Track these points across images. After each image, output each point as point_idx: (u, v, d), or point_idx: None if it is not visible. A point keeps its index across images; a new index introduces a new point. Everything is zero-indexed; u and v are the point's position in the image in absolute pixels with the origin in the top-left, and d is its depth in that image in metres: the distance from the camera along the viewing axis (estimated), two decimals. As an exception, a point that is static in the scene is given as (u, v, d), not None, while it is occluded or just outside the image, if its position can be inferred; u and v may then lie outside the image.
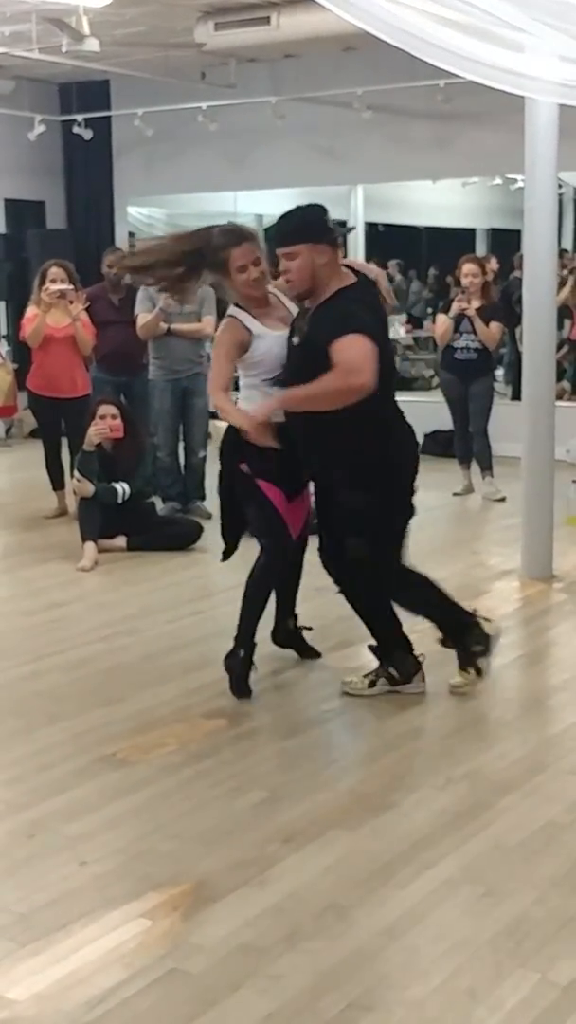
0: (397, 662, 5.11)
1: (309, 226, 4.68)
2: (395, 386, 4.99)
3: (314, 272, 4.64)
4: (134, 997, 3.00)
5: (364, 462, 4.80)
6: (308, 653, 5.52)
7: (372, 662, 5.20)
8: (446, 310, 9.29)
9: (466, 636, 5.06)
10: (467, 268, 9.14)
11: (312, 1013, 2.93)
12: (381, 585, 5.07)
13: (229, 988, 3.03)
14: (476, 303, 9.04)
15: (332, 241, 4.67)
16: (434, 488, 9.71)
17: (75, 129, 12.57)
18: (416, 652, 5.14)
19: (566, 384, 12.40)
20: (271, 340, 4.90)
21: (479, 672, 5.05)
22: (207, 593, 6.57)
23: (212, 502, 8.01)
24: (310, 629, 5.56)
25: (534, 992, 3.00)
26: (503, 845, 3.77)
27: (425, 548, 7.75)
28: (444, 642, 5.11)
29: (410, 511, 5.05)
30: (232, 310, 4.96)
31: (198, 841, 3.81)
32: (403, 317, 15.65)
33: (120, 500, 7.57)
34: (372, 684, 5.10)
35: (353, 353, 4.47)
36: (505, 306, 10.70)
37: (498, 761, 4.41)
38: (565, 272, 12.86)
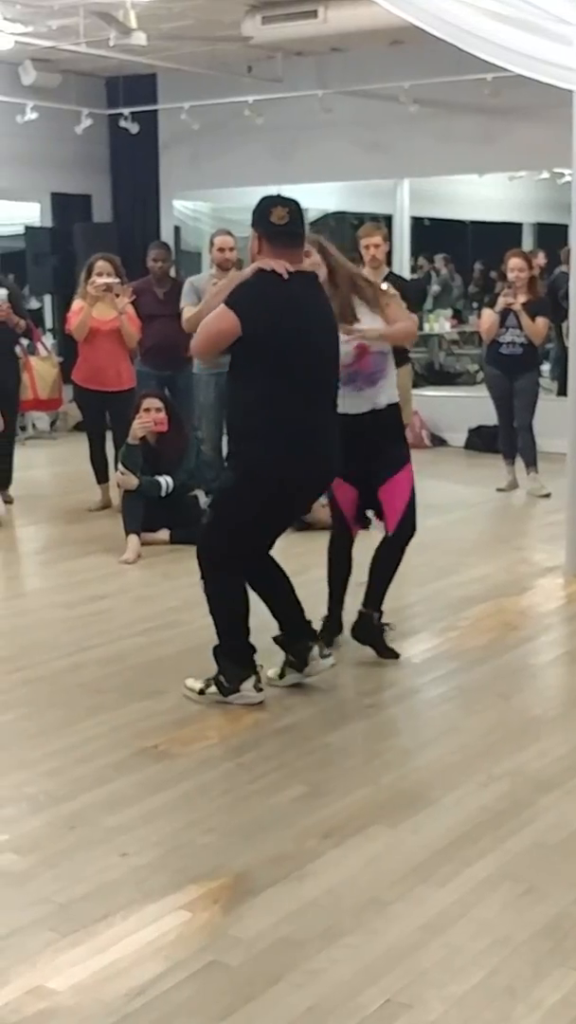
0: (297, 650, 5.09)
1: (254, 212, 4.92)
2: (316, 394, 4.78)
3: (253, 255, 4.89)
4: (173, 989, 3.01)
5: (238, 446, 4.90)
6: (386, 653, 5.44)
7: (413, 655, 5.20)
8: (492, 305, 9.24)
9: (298, 643, 5.08)
10: (513, 263, 9.10)
11: (350, 1008, 2.93)
12: (201, 564, 4.91)
13: (267, 982, 3.03)
14: (522, 298, 8.98)
15: (264, 232, 4.84)
16: (478, 484, 9.71)
17: (122, 123, 12.59)
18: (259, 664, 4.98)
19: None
20: None
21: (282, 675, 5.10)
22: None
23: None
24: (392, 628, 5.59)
25: (574, 991, 2.98)
26: (543, 843, 3.75)
27: (469, 544, 7.76)
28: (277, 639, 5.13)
29: (273, 518, 4.93)
30: None
31: (237, 835, 3.82)
32: (448, 312, 15.59)
33: (164, 493, 7.60)
34: (281, 675, 5.12)
35: (206, 322, 4.79)
36: (551, 301, 10.64)
37: (539, 759, 4.38)
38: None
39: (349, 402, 5.11)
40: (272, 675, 5.12)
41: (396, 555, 5.38)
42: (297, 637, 5.09)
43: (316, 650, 5.09)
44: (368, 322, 5.18)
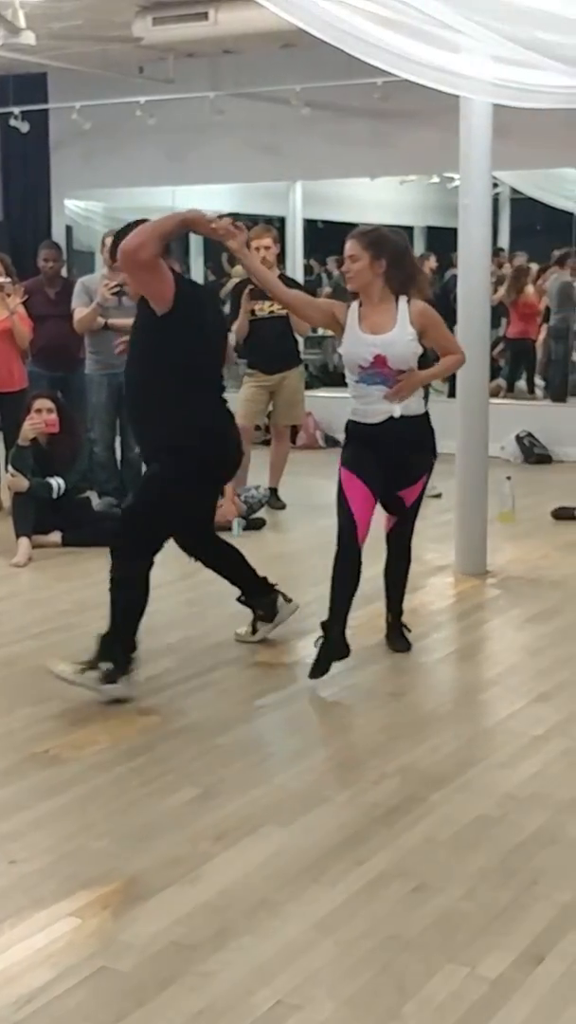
0: (265, 604, 5.65)
1: None
2: (215, 376, 5.22)
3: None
4: (63, 996, 2.99)
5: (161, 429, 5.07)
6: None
7: (306, 655, 5.22)
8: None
9: (265, 597, 5.63)
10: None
11: (242, 1010, 2.93)
12: (119, 549, 5.03)
13: (159, 986, 3.02)
14: (412, 300, 9.06)
15: None
16: (371, 484, 9.75)
17: (12, 122, 12.44)
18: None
19: (501, 381, 12.50)
20: (351, 339, 5.24)
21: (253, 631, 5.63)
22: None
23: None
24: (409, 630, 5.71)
25: (463, 986, 3.02)
26: (434, 839, 3.80)
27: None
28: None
29: (193, 494, 5.13)
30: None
31: (129, 839, 3.80)
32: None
33: (55, 495, 7.53)
34: (253, 631, 5.66)
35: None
36: (443, 304, 10.74)
37: (431, 755, 4.43)
38: (501, 271, 12.98)
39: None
40: (244, 633, 5.63)
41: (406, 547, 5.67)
42: (262, 592, 5.61)
43: (280, 599, 5.64)
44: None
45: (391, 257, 5.19)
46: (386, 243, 5.21)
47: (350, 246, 5.20)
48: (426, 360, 5.50)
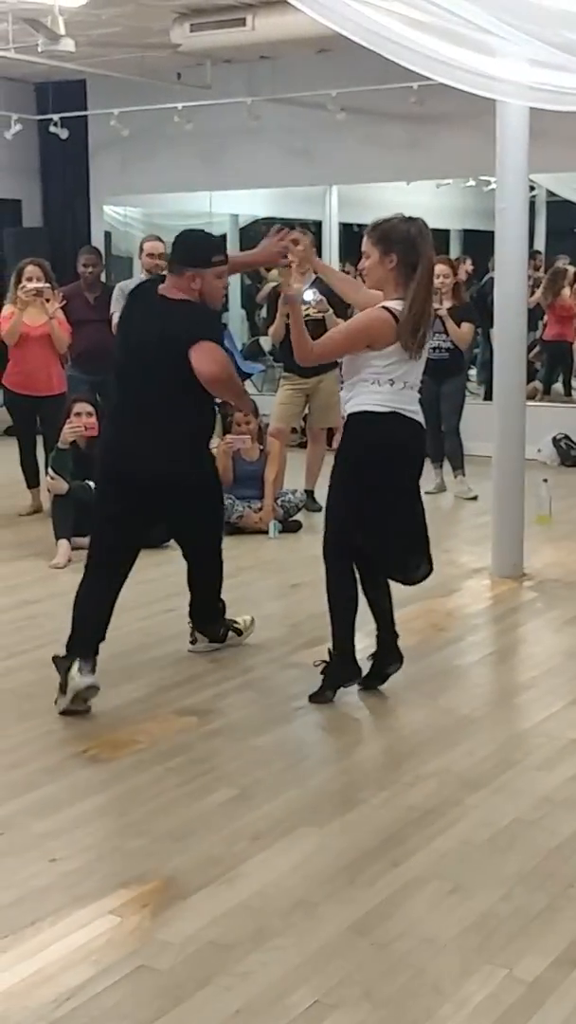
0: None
1: None
2: (130, 395, 5.16)
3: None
4: (102, 994, 3.02)
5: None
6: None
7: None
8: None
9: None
10: (438, 269, 9.12)
11: (279, 1010, 2.95)
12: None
13: (196, 985, 3.05)
14: (447, 303, 9.07)
15: None
16: (407, 488, 9.75)
17: (51, 128, 12.55)
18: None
19: (538, 384, 12.46)
20: None
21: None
22: (179, 591, 6.53)
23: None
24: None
25: (500, 988, 3.03)
26: (471, 842, 3.80)
27: (397, 548, 7.80)
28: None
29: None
30: (389, 305, 4.78)
31: (167, 839, 3.83)
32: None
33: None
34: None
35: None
36: (481, 307, 10.75)
37: (467, 758, 4.44)
38: (538, 273, 12.94)
39: None
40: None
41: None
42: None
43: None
44: None
45: (402, 250, 4.73)
46: (394, 235, 4.74)
47: (363, 241, 4.85)
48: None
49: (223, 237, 15.28)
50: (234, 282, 14.77)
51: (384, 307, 4.73)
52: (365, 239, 4.82)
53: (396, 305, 4.71)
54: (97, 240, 13.00)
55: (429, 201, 14.69)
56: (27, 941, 3.24)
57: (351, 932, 3.29)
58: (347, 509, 4.91)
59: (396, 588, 6.26)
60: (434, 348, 9.15)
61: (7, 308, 8.53)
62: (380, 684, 5.11)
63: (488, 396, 10.01)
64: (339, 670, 5.01)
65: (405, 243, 4.73)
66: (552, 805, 4.05)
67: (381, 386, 4.79)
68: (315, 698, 4.98)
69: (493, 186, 7.04)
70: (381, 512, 4.84)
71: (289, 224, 8.05)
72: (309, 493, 8.82)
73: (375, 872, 3.60)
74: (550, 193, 14.84)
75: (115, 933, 3.29)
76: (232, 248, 14.87)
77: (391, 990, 3.03)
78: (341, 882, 3.55)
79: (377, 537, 4.91)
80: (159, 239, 8.79)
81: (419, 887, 3.52)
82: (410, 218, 4.83)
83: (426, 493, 9.31)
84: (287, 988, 3.03)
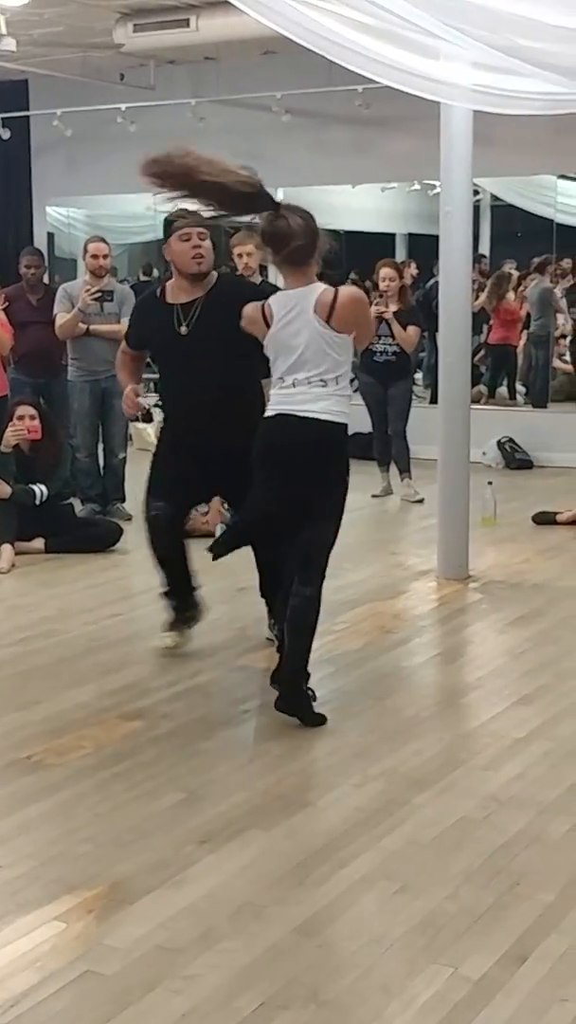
0: (193, 604, 5.59)
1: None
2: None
3: None
4: (48, 1000, 2.99)
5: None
6: None
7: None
8: (365, 313, 9.32)
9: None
10: (384, 272, 9.22)
11: (227, 1012, 2.94)
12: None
13: (144, 989, 3.03)
14: (393, 307, 9.11)
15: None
16: (353, 490, 9.65)
17: (-7, 129, 12.46)
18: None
19: (483, 388, 12.54)
20: None
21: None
22: (126, 595, 6.55)
23: (131, 504, 8.01)
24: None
25: (446, 987, 3.03)
26: (417, 841, 3.81)
27: (344, 549, 7.75)
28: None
29: None
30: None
31: (114, 844, 3.80)
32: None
33: (38, 502, 7.53)
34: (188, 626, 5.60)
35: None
36: (425, 310, 10.79)
37: (413, 758, 4.45)
38: (483, 278, 13.01)
39: None
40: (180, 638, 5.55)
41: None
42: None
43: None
44: None
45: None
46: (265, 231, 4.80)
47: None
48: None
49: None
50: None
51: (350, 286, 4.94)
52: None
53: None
54: (40, 241, 12.91)
55: (375, 204, 14.76)
56: (-29, 948, 3.21)
57: (298, 934, 3.28)
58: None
59: (345, 591, 6.30)
60: (380, 351, 9.22)
61: (-51, 310, 8.44)
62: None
63: (434, 399, 10.04)
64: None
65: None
66: (498, 804, 4.06)
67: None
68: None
69: (438, 190, 7.07)
70: None
71: (235, 227, 8.06)
72: None
73: (322, 873, 3.60)
74: (494, 198, 14.93)
75: (60, 939, 3.26)
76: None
77: (338, 991, 3.02)
78: (288, 884, 3.54)
79: None
80: (103, 240, 8.75)
81: (366, 888, 3.52)
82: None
83: (373, 496, 9.49)
84: (235, 991, 3.02)
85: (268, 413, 4.79)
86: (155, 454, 5.53)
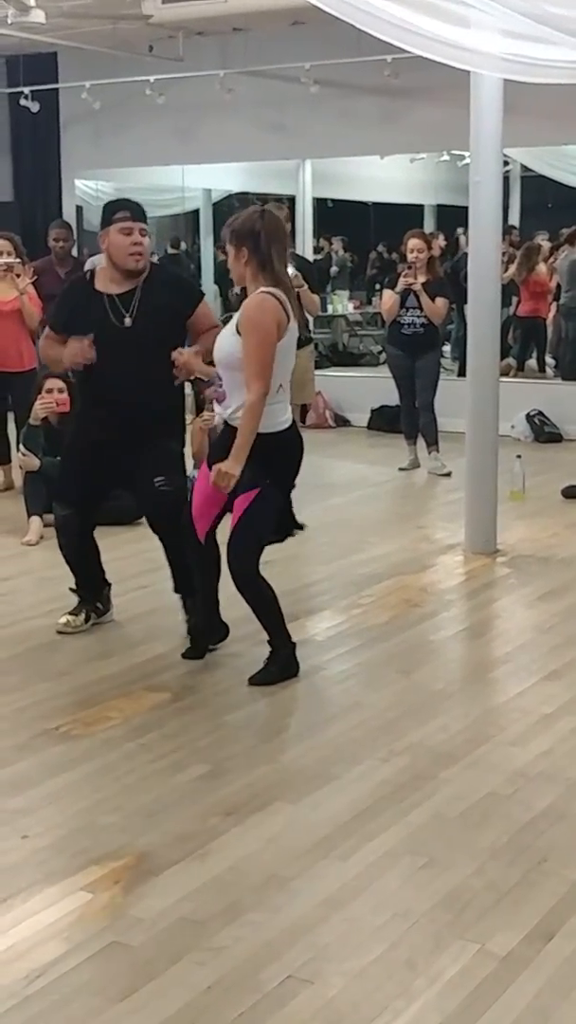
0: (104, 597, 5.73)
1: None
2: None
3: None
4: (73, 970, 3.00)
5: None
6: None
7: (315, 634, 5.22)
8: (392, 285, 9.29)
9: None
10: (412, 243, 9.15)
11: (252, 985, 2.94)
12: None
13: (169, 960, 3.03)
14: (422, 278, 9.05)
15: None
16: (380, 463, 9.78)
17: (22, 102, 12.41)
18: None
19: (511, 360, 12.46)
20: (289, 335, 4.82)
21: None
22: (152, 567, 6.53)
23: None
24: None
25: (473, 963, 3.02)
26: (444, 816, 3.80)
27: (371, 523, 7.81)
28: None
29: None
30: (269, 289, 4.71)
31: (140, 815, 3.81)
32: (347, 293, 15.64)
33: (65, 475, 7.52)
34: (87, 619, 5.61)
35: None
36: (454, 282, 10.73)
37: (440, 733, 4.44)
38: (512, 249, 12.92)
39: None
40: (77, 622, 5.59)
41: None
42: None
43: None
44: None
45: (251, 243, 4.69)
46: (243, 229, 4.71)
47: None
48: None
49: (195, 211, 15.28)
50: (207, 257, 14.72)
51: (261, 292, 4.69)
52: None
53: (269, 289, 4.69)
54: (68, 214, 12.88)
55: (403, 175, 14.69)
56: (-2, 918, 3.23)
57: (323, 907, 3.28)
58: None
59: (372, 565, 6.29)
60: (408, 323, 9.17)
61: (-23, 283, 8.45)
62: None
63: (462, 372, 9.99)
64: (291, 662, 5.01)
65: (253, 235, 4.69)
66: (525, 779, 4.05)
67: (276, 396, 4.78)
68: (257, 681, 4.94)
69: (467, 161, 7.01)
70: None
71: (263, 199, 8.02)
72: None
73: (348, 847, 3.59)
74: (524, 168, 14.83)
75: (87, 909, 3.27)
76: (204, 223, 14.84)
77: (363, 965, 3.02)
78: (314, 857, 3.54)
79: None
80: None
81: (392, 861, 3.52)
82: (261, 210, 4.82)
83: (400, 469, 9.46)
84: (259, 964, 3.02)
85: (284, 426, 4.81)
86: (67, 446, 5.64)
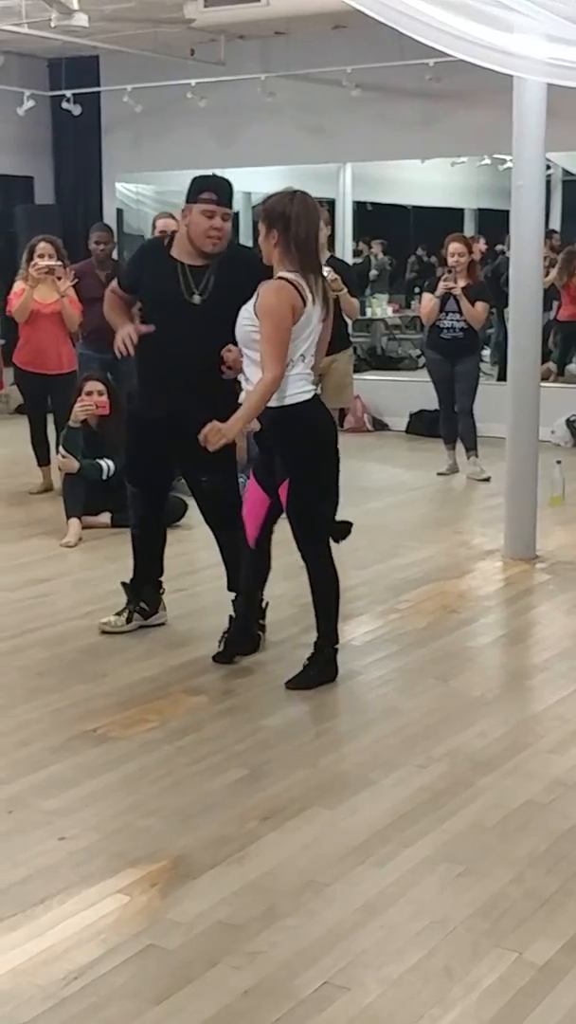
0: (148, 597, 5.67)
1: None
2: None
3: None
4: (110, 973, 3.01)
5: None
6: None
7: (352, 639, 5.21)
8: (432, 289, 9.27)
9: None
10: (453, 247, 9.13)
11: (288, 990, 2.94)
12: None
13: (205, 964, 3.04)
14: (462, 282, 9.02)
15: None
16: (419, 468, 9.75)
17: (64, 105, 12.49)
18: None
19: (552, 365, 12.41)
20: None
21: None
22: (190, 570, 6.56)
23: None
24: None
25: (510, 971, 3.01)
26: (482, 824, 3.78)
27: (410, 527, 7.79)
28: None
29: None
30: (286, 275, 4.73)
31: (177, 818, 3.82)
32: (386, 297, 15.63)
33: (105, 477, 7.56)
34: (129, 620, 5.60)
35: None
36: (494, 286, 10.70)
37: (478, 740, 4.42)
38: (553, 253, 12.87)
39: None
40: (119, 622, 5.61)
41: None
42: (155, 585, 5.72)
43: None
44: None
45: (281, 225, 4.70)
46: (274, 210, 4.73)
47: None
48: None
49: (236, 215, 15.30)
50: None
51: (279, 278, 4.72)
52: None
53: (287, 275, 4.71)
54: (109, 217, 12.95)
55: (444, 179, 14.67)
56: (36, 919, 3.23)
57: (360, 913, 3.27)
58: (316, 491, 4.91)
59: (410, 570, 6.29)
60: (448, 327, 9.15)
61: (18, 285, 8.50)
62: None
63: (502, 377, 9.96)
64: (330, 665, 5.01)
65: (284, 219, 4.71)
66: (564, 788, 4.03)
67: (295, 367, 4.79)
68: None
69: (509, 164, 6.99)
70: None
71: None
72: None
73: (385, 853, 3.59)
74: (566, 172, 14.77)
75: (124, 912, 3.28)
76: (244, 225, 14.86)
77: (400, 972, 3.01)
78: (351, 863, 3.53)
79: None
80: (172, 216, 8.73)
81: (429, 869, 3.51)
82: (293, 193, 4.81)
83: (438, 474, 9.44)
84: (296, 969, 3.02)
85: (302, 397, 4.79)
86: (126, 425, 5.65)
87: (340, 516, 5.01)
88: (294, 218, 4.70)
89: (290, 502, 4.86)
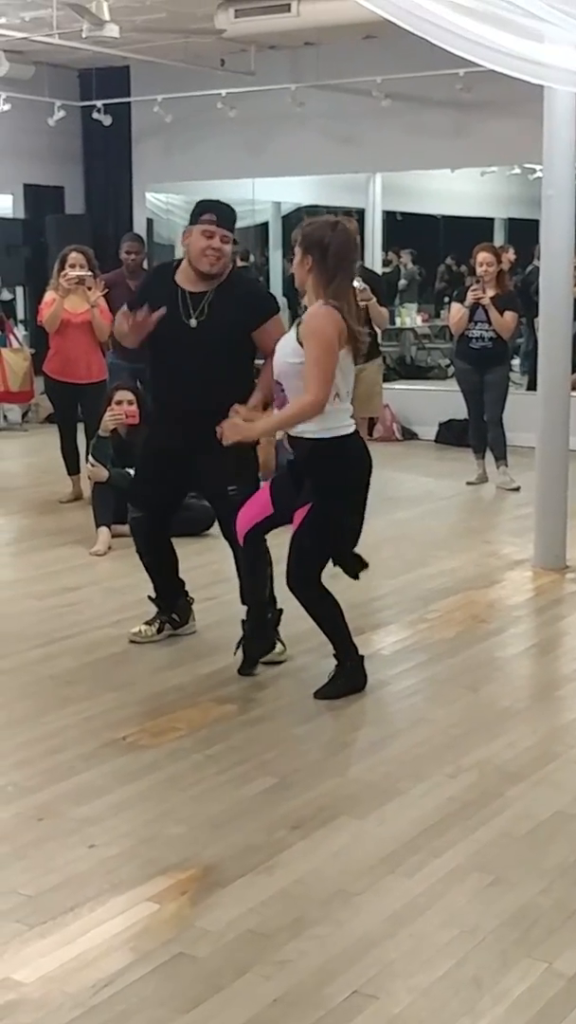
0: (180, 608, 5.72)
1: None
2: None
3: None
4: (140, 980, 3.01)
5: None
6: None
7: (381, 648, 5.21)
8: (461, 298, 9.27)
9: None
10: (482, 257, 9.12)
11: (317, 999, 2.94)
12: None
13: (235, 973, 3.04)
14: (491, 292, 9.02)
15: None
16: (448, 477, 9.74)
17: (94, 115, 12.56)
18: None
19: (583, 375, 12.35)
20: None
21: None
22: (220, 579, 6.56)
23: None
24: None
25: (540, 981, 3.00)
26: (511, 834, 3.78)
27: (439, 537, 7.78)
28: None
29: None
30: (333, 302, 4.69)
31: (206, 826, 3.82)
32: (415, 306, 15.62)
33: (134, 486, 7.58)
34: (159, 630, 5.64)
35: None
36: (524, 296, 10.67)
37: (507, 750, 4.41)
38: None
39: None
40: (150, 632, 5.64)
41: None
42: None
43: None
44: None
45: (317, 253, 4.66)
46: (312, 237, 4.68)
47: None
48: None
49: (264, 224, 15.33)
50: (276, 269, 14.76)
51: (328, 304, 4.67)
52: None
53: (333, 302, 4.68)
54: (140, 227, 13.01)
55: (473, 189, 14.65)
56: (66, 927, 3.25)
57: (390, 922, 3.27)
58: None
59: (439, 579, 6.27)
60: (477, 337, 9.14)
61: (49, 295, 8.55)
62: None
63: (531, 386, 9.93)
64: (358, 675, 5.01)
65: (321, 246, 4.67)
66: (594, 798, 4.02)
67: (342, 402, 4.79)
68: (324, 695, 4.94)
69: (539, 174, 6.98)
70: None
71: (332, 211, 8.03)
72: None
73: (414, 863, 3.58)
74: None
75: (153, 920, 3.29)
76: (274, 236, 14.89)
77: (430, 982, 3.01)
78: (380, 872, 3.53)
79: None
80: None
81: (459, 878, 3.50)
82: (336, 222, 4.79)
83: (467, 483, 9.43)
84: (325, 978, 3.02)
85: (342, 431, 4.76)
86: (141, 448, 5.72)
87: (366, 529, 4.98)
88: (332, 250, 4.67)
89: (301, 529, 4.80)
